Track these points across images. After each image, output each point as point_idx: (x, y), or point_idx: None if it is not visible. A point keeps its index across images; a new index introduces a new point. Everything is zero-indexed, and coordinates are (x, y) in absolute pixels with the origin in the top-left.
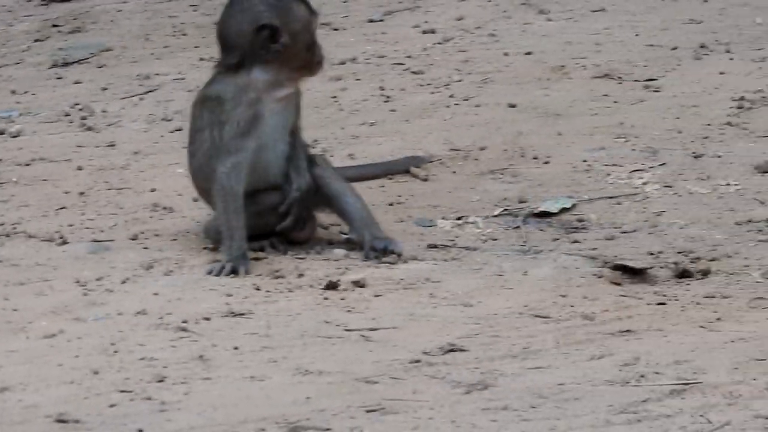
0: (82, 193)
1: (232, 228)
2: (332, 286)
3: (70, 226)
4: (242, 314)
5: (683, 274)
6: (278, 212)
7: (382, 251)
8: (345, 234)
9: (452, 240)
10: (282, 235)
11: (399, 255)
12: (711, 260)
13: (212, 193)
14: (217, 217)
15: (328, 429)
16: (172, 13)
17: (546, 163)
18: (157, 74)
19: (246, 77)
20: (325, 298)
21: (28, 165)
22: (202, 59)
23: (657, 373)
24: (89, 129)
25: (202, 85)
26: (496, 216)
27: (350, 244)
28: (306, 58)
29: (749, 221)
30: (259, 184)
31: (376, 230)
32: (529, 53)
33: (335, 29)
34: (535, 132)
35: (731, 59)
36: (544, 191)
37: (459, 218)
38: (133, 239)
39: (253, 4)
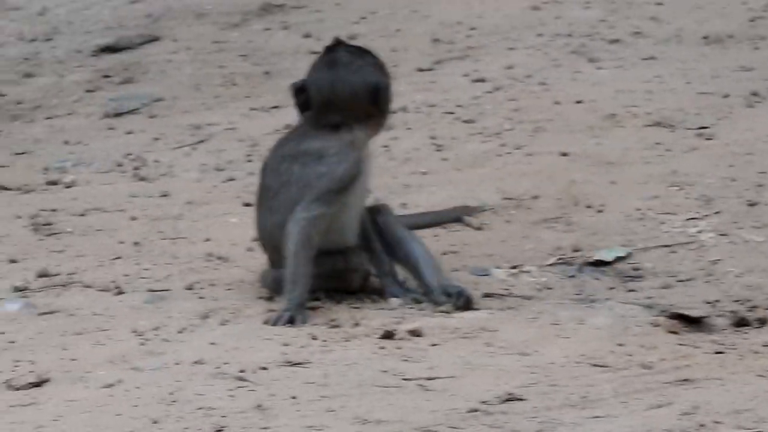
0: (136, 243)
1: (297, 276)
2: (388, 335)
3: (126, 275)
4: (299, 363)
5: (741, 323)
6: (347, 274)
7: (455, 296)
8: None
9: (507, 289)
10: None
11: (471, 302)
12: None
13: (286, 238)
14: (283, 264)
15: None
16: (221, 63)
17: (600, 211)
18: (209, 124)
19: (349, 135)
20: (382, 348)
21: (82, 215)
22: (252, 109)
23: (717, 422)
24: (142, 179)
25: (280, 140)
26: (550, 265)
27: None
28: (388, 114)
29: None
30: (329, 245)
31: (443, 276)
32: (580, 101)
33: None
34: (588, 180)
35: None
36: (599, 240)
37: (513, 267)
38: (188, 289)
39: (362, 66)
